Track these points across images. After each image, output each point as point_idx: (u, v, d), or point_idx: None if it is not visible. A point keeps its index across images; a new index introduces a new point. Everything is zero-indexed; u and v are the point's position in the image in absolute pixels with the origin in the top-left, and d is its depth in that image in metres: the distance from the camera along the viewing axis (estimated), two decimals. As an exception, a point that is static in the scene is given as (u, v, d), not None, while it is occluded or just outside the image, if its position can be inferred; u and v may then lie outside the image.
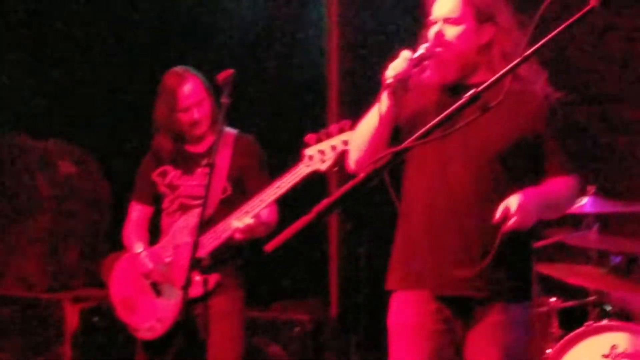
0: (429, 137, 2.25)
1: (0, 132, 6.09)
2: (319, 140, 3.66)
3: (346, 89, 5.55)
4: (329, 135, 3.64)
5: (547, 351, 4.04)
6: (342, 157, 3.50)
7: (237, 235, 3.84)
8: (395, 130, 3.05)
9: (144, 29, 6.12)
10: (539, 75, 2.98)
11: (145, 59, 5.87)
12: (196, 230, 3.66)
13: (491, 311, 2.98)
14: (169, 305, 4.01)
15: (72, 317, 5.38)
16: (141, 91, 4.44)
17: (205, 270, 3.86)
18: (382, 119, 2.97)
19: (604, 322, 3.85)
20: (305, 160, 3.71)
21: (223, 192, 4.03)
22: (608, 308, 4.07)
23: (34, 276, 5.80)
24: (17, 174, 5.94)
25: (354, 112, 3.23)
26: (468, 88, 2.64)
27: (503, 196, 2.89)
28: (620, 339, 3.81)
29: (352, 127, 3.41)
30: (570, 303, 4.19)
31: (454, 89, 3.00)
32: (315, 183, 3.73)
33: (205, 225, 3.74)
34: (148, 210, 4.25)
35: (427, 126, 2.23)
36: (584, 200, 4.10)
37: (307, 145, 3.70)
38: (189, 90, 4.05)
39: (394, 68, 2.91)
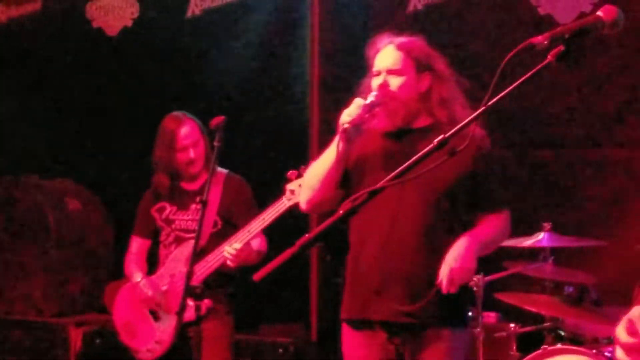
0: (401, 178, 2.26)
1: (14, 174, 6.18)
2: (299, 176, 3.75)
3: (325, 131, 5.54)
4: None
5: (507, 372, 4.13)
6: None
7: (230, 263, 3.93)
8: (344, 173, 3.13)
9: (146, 86, 6.27)
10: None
11: (145, 106, 5.99)
12: (190, 260, 3.72)
13: (436, 338, 3.07)
14: (166, 329, 4.10)
15: (75, 339, 5.50)
16: (142, 136, 4.54)
17: (198, 297, 3.92)
18: (337, 161, 3.05)
19: (559, 345, 3.82)
20: (287, 194, 3.81)
21: (214, 225, 4.15)
22: (562, 333, 4.14)
23: (43, 302, 5.90)
24: (29, 210, 6.01)
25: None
26: (411, 132, 2.89)
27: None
28: (573, 362, 3.74)
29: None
30: (528, 328, 4.24)
31: (397, 134, 3.12)
32: (298, 215, 3.71)
33: (198, 255, 3.81)
34: (147, 243, 4.36)
35: (402, 167, 2.23)
36: (541, 236, 4.20)
37: (289, 181, 3.82)
38: (186, 132, 4.18)
39: (349, 114, 2.96)
